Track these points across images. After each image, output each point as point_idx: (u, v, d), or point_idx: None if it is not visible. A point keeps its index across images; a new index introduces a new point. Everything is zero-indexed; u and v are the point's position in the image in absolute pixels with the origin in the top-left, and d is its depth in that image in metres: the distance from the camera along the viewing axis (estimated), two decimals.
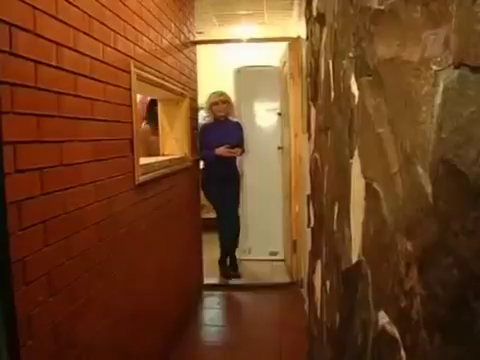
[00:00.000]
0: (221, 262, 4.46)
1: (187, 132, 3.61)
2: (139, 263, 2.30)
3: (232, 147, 4.21)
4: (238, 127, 4.48)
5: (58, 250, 1.46)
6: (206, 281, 4.22)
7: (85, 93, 1.68)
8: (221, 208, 4.39)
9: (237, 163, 4.56)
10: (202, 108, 4.59)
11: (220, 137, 4.23)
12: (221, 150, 4.18)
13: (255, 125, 4.90)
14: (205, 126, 4.47)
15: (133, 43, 2.24)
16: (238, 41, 4.61)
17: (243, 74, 4.91)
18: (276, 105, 4.80)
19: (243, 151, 4.44)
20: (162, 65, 2.84)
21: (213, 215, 4.49)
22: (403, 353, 0.73)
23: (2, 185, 1.16)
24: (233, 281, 4.22)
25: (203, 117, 4.70)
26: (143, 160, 2.52)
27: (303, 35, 3.17)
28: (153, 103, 4.40)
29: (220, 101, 4.32)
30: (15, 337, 1.20)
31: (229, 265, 4.47)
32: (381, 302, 0.88)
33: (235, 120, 4.54)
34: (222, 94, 4.38)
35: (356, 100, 1.10)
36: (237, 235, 4.52)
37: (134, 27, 2.26)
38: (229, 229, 4.41)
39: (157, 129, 4.33)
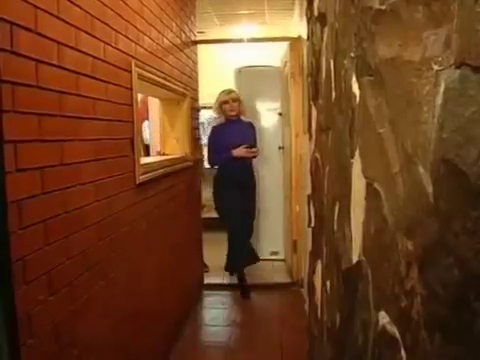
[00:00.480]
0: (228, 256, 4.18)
1: (188, 132, 3.61)
2: (139, 262, 2.30)
3: (249, 147, 3.89)
4: (251, 127, 4.15)
5: (58, 249, 1.46)
6: (206, 281, 4.22)
7: (86, 92, 1.68)
8: (233, 218, 3.98)
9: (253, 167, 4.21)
10: (204, 108, 4.54)
11: (234, 138, 3.90)
12: (239, 150, 3.85)
13: (256, 125, 4.90)
14: (216, 127, 4.16)
15: (134, 42, 2.24)
16: (239, 41, 4.60)
17: (244, 74, 4.91)
18: (277, 105, 4.80)
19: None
20: (163, 64, 2.84)
21: (214, 215, 4.46)
22: (403, 353, 0.73)
23: (3, 184, 1.16)
24: (233, 280, 4.20)
25: (213, 118, 4.39)
26: (144, 160, 2.52)
27: (304, 35, 3.17)
28: None
29: (231, 99, 3.98)
30: (15, 336, 1.20)
31: (240, 288, 4.01)
32: (381, 302, 0.88)
33: (247, 120, 4.20)
34: (232, 92, 4.06)
35: (357, 100, 1.10)
36: (253, 257, 4.12)
37: (135, 26, 2.26)
38: (240, 246, 4.01)
39: None
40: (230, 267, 4.13)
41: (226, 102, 3.99)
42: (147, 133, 5.44)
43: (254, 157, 4.03)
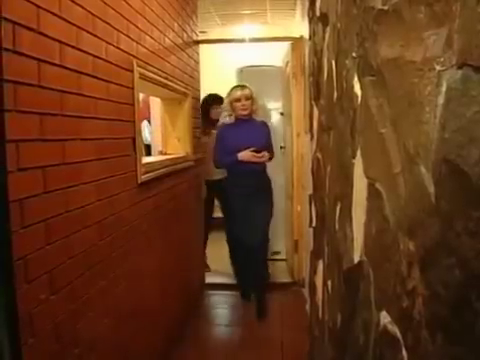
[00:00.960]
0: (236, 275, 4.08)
1: (189, 131, 3.61)
2: (141, 262, 2.30)
3: (257, 151, 3.47)
4: (265, 127, 3.69)
5: (60, 248, 1.46)
6: (208, 280, 4.23)
7: (88, 92, 1.68)
8: (237, 230, 3.64)
9: (267, 170, 3.73)
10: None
11: (243, 140, 3.50)
12: (244, 154, 3.46)
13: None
14: (224, 127, 3.73)
15: (136, 42, 2.24)
16: (241, 41, 4.60)
17: (246, 74, 4.91)
18: (278, 105, 4.80)
19: (272, 156, 3.67)
20: (165, 64, 2.84)
21: (215, 214, 4.46)
22: (405, 353, 0.73)
23: (5, 183, 1.17)
24: (234, 280, 4.18)
25: (224, 116, 3.93)
26: (145, 159, 2.53)
27: (306, 35, 3.17)
28: (206, 103, 4.24)
29: (243, 97, 3.54)
30: (17, 335, 1.20)
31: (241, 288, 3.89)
32: (383, 302, 0.88)
33: (260, 119, 3.76)
34: (245, 88, 3.59)
35: (359, 100, 1.10)
36: (264, 266, 3.79)
37: (137, 26, 2.26)
38: (251, 257, 3.62)
39: (209, 129, 4.19)
40: (242, 290, 3.93)
41: (238, 100, 3.56)
42: (146, 133, 5.40)
43: (268, 160, 3.62)
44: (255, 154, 3.46)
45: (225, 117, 3.71)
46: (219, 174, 4.00)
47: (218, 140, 3.66)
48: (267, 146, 3.59)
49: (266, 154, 3.50)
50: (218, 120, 4.22)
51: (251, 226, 3.52)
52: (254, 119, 3.69)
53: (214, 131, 4.04)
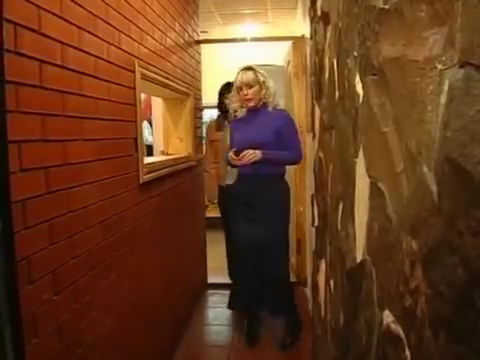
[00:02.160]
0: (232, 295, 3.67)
1: (191, 131, 3.61)
2: (143, 262, 2.30)
3: (237, 153, 2.77)
4: (279, 119, 2.87)
5: (63, 249, 1.46)
6: (210, 280, 4.23)
7: (89, 92, 1.68)
8: (238, 245, 3.01)
9: (279, 174, 2.93)
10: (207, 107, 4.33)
11: (247, 136, 2.86)
12: (229, 156, 2.85)
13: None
14: (234, 121, 3.07)
15: (137, 42, 2.24)
16: (242, 40, 4.60)
17: None
18: (280, 104, 4.78)
19: (293, 155, 2.87)
20: (166, 64, 2.85)
21: (217, 214, 4.44)
22: (408, 352, 0.73)
23: (7, 184, 1.17)
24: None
25: (233, 108, 3.09)
26: (147, 159, 2.53)
27: (307, 34, 3.17)
28: (219, 94, 3.70)
29: (244, 85, 2.86)
30: (20, 335, 1.21)
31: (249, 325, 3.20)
32: (386, 301, 0.88)
33: (278, 109, 2.97)
34: (248, 71, 2.90)
35: (361, 99, 1.10)
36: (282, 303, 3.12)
37: (138, 26, 2.26)
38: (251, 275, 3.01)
39: (222, 123, 3.69)
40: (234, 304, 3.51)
41: (240, 88, 2.89)
42: (146, 133, 5.37)
43: (289, 162, 3.02)
44: (232, 156, 2.80)
45: (234, 110, 3.05)
46: (231, 179, 3.46)
47: (230, 136, 3.10)
48: (278, 142, 2.82)
49: (249, 153, 2.71)
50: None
51: (252, 244, 2.91)
52: (267, 109, 2.91)
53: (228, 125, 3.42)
